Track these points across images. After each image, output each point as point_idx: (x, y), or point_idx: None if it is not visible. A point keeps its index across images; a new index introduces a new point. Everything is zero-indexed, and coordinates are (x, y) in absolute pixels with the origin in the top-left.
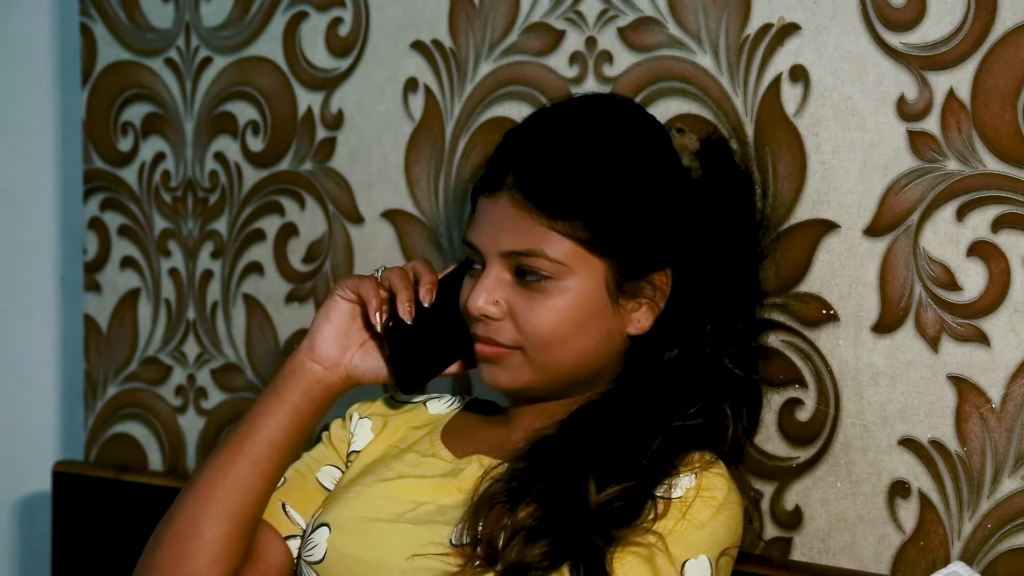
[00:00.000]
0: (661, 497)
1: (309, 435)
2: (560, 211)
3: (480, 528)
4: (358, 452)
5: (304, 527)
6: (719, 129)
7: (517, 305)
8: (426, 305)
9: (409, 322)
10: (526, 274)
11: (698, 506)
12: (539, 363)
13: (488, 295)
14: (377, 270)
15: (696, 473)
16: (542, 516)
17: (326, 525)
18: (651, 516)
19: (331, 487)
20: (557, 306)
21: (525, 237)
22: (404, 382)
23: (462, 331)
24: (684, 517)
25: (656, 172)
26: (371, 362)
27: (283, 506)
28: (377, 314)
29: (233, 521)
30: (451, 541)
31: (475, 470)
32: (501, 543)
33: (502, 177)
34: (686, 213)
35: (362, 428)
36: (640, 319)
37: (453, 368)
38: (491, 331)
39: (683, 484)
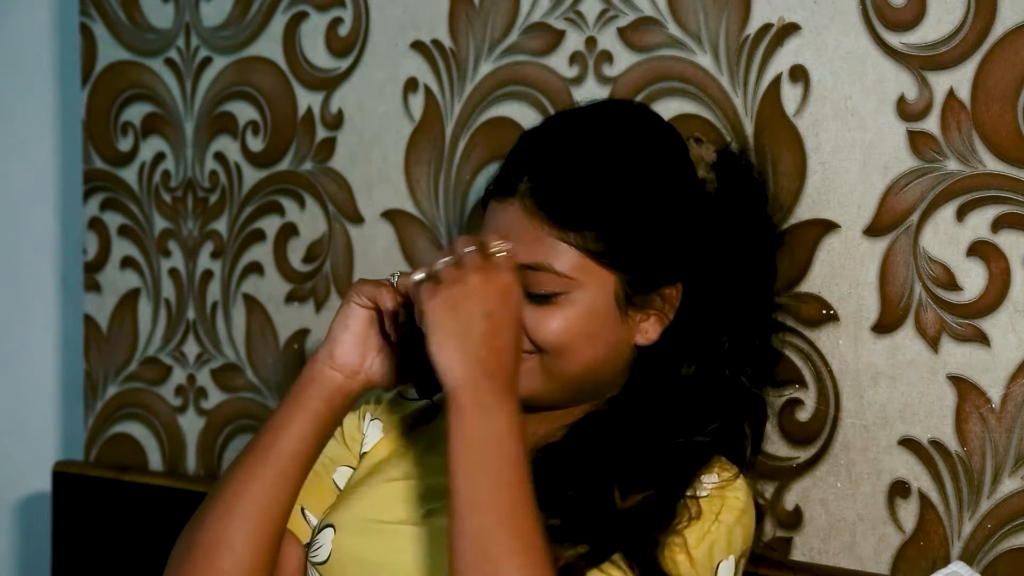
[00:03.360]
0: (691, 496)
1: (328, 439)
2: (572, 222)
3: None
4: (366, 453)
5: None
6: (734, 142)
7: (526, 314)
8: None
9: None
10: (535, 296)
11: (725, 510)
12: (552, 369)
13: None
14: (392, 275)
15: (718, 479)
16: (565, 523)
17: (331, 526)
18: (686, 518)
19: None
20: (566, 317)
21: (534, 249)
22: (424, 388)
23: None
24: (716, 520)
25: (672, 185)
26: (389, 366)
27: (302, 510)
28: (394, 326)
29: (263, 536)
30: None
31: None
32: None
33: (515, 183)
34: (701, 227)
35: (373, 429)
36: (648, 330)
37: None
38: None
39: (707, 488)
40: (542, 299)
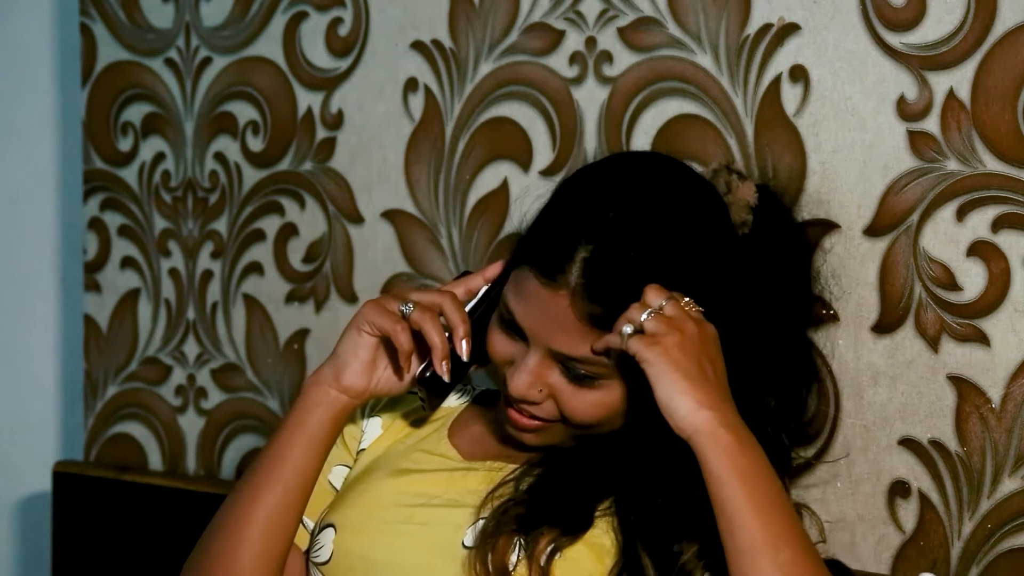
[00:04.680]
0: None
1: (329, 453)
2: None
3: (494, 549)
4: (364, 450)
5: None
6: (772, 182)
7: (561, 392)
8: (464, 360)
9: (447, 380)
10: (576, 375)
11: None
12: (576, 433)
13: (533, 381)
14: (405, 304)
15: None
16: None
17: (332, 526)
18: None
19: (340, 487)
20: (603, 401)
21: (580, 345)
22: (433, 407)
23: (477, 340)
24: None
25: (720, 268)
26: (393, 381)
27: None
28: (409, 362)
29: (270, 557)
30: (464, 543)
31: (484, 474)
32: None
33: (563, 270)
34: (742, 293)
35: (373, 425)
36: None
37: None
38: (531, 407)
39: None
40: (581, 379)
